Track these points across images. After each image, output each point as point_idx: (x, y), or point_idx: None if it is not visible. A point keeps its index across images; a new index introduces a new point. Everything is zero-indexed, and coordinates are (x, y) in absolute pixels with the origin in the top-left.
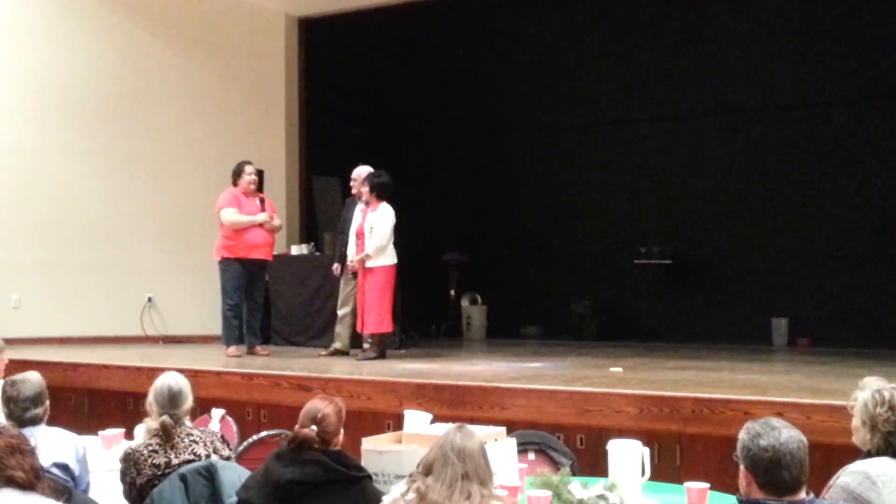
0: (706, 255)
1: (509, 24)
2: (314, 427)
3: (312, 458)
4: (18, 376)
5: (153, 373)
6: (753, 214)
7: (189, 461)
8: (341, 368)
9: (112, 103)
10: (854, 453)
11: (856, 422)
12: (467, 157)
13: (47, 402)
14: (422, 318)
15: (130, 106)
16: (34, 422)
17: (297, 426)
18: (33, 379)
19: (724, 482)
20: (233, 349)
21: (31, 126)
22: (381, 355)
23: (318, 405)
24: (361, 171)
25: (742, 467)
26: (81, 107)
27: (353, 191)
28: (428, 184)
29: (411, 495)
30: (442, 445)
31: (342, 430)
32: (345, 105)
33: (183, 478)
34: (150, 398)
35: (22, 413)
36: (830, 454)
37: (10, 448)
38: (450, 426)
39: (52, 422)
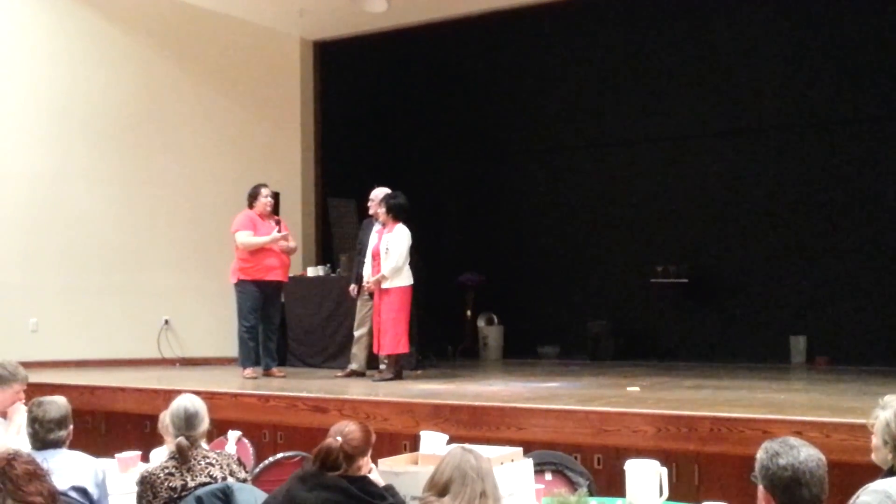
0: (723, 274)
1: (524, 45)
2: (339, 438)
3: (336, 483)
4: (46, 398)
5: (170, 395)
6: (771, 232)
7: (205, 484)
8: (358, 389)
9: (130, 128)
10: (874, 472)
11: (876, 440)
12: (483, 177)
13: (71, 427)
14: (438, 339)
15: (148, 130)
16: (57, 444)
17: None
18: (60, 402)
19: (743, 502)
20: (249, 371)
21: (51, 151)
22: (398, 376)
23: (346, 422)
24: (379, 193)
25: (761, 487)
26: (100, 132)
27: (371, 211)
28: (444, 205)
29: None
30: (459, 465)
31: (369, 457)
32: (360, 127)
33: (199, 500)
34: (167, 420)
35: (46, 434)
36: (850, 473)
37: (28, 475)
38: (454, 447)
39: (70, 444)
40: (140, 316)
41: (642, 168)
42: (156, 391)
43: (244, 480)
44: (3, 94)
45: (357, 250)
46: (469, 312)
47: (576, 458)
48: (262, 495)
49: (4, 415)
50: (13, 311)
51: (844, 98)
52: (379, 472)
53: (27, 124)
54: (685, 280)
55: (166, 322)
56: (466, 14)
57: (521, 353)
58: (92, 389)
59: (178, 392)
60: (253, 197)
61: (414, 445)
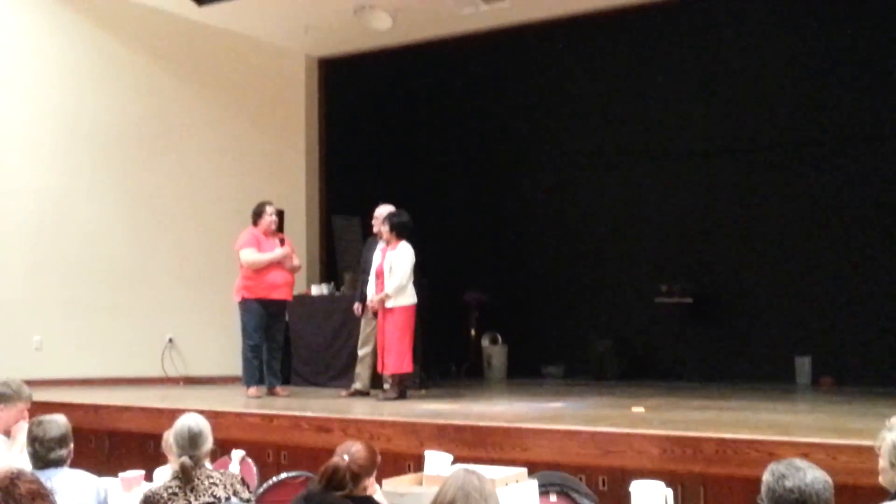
0: (728, 294)
1: (527, 62)
2: (346, 456)
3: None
4: (46, 417)
5: (174, 414)
6: (776, 252)
7: None
8: (362, 409)
9: (136, 144)
10: (881, 494)
11: (883, 463)
12: (487, 195)
13: (72, 445)
14: (442, 358)
15: (154, 147)
16: (58, 463)
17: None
18: (60, 421)
19: None
20: (253, 390)
21: (56, 168)
22: (402, 395)
23: (352, 441)
24: (382, 210)
25: None
26: (106, 149)
27: (375, 229)
28: (448, 222)
29: None
30: (462, 486)
31: (374, 477)
32: (365, 144)
33: None
34: (171, 439)
35: (47, 453)
36: (857, 495)
37: (32, 494)
38: (457, 468)
39: (73, 464)
40: (144, 334)
41: (647, 186)
42: (160, 410)
43: (248, 500)
44: (9, 110)
45: (361, 269)
46: (473, 331)
47: (581, 479)
48: None
49: (8, 433)
50: (17, 328)
51: (851, 116)
52: (383, 492)
53: (33, 141)
54: (690, 300)
55: (170, 340)
56: (471, 31)
57: (525, 373)
58: (96, 408)
59: (182, 411)
60: (257, 214)
61: (418, 466)
